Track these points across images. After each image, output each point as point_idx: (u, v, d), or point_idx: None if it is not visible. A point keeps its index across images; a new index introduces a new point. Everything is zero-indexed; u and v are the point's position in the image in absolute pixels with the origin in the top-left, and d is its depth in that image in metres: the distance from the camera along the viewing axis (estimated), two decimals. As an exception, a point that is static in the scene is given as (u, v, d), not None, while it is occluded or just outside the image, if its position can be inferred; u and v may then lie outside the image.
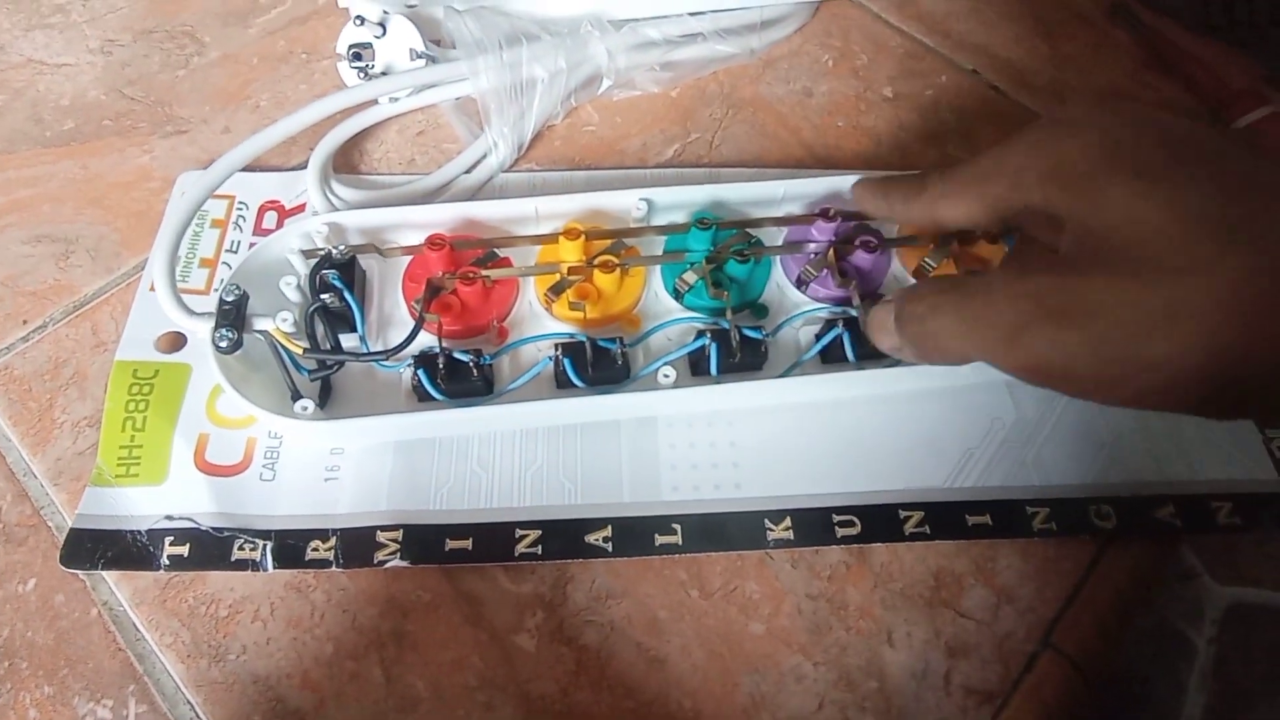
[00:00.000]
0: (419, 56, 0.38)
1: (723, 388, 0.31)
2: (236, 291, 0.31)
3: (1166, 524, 0.31)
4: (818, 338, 0.34)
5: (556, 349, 0.31)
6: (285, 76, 0.43)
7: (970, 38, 0.46)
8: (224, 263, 0.36)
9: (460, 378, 0.31)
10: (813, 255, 0.35)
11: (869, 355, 0.33)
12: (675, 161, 0.41)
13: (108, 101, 0.42)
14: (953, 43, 0.46)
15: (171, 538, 0.30)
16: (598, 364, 0.31)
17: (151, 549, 0.30)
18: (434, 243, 0.33)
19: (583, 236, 0.33)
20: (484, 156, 0.39)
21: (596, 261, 0.33)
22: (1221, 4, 0.45)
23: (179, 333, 0.34)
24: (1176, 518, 0.31)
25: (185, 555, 0.30)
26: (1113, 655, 0.30)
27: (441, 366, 0.31)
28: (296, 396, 0.31)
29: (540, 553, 0.30)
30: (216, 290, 0.35)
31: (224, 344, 0.30)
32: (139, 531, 0.30)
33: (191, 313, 0.31)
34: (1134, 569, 0.31)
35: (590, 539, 0.30)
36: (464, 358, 0.31)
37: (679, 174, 0.40)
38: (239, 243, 0.37)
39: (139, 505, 0.31)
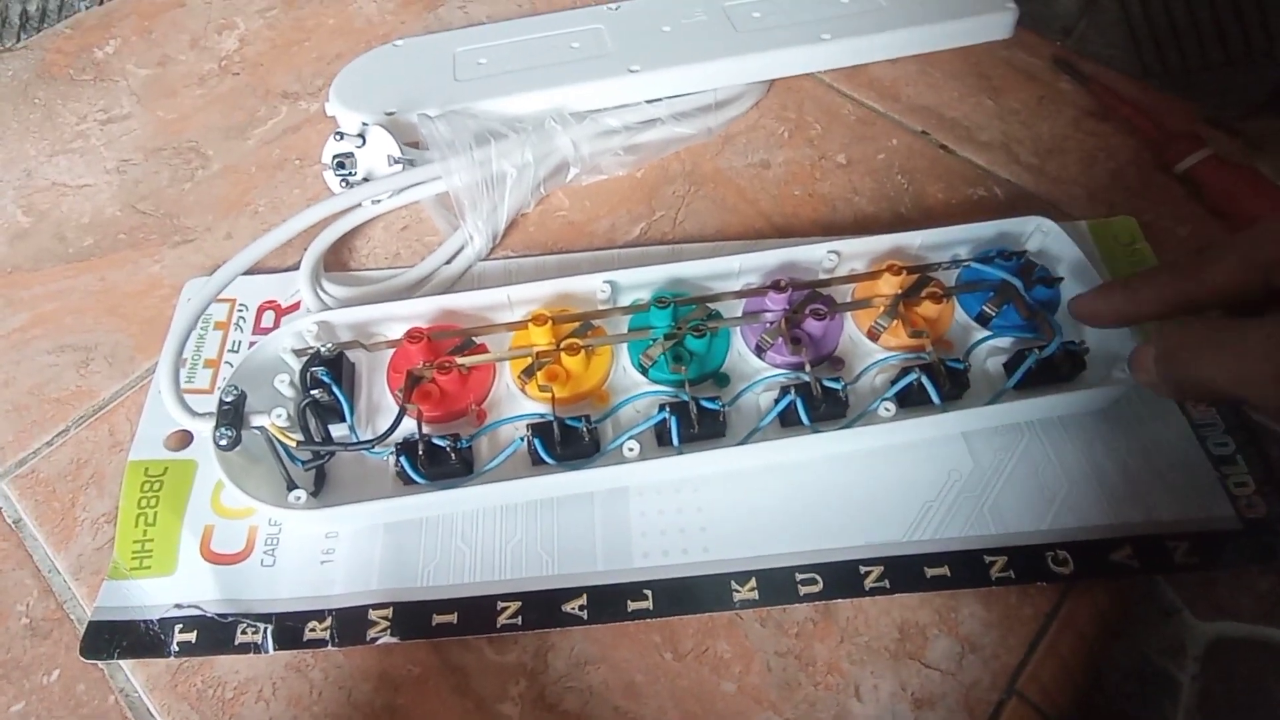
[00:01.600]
0: (396, 161, 0.41)
1: (685, 458, 0.33)
2: (235, 392, 0.33)
3: (1124, 565, 0.32)
4: (776, 403, 0.36)
5: (528, 430, 0.33)
6: (281, 182, 0.47)
7: (918, 100, 0.48)
8: (226, 362, 0.39)
9: (439, 461, 0.33)
10: (768, 324, 0.36)
11: (824, 417, 0.34)
12: (642, 240, 0.43)
13: (122, 217, 0.46)
14: (902, 106, 0.48)
15: (180, 625, 0.32)
16: (566, 441, 0.33)
17: (163, 637, 0.32)
18: (413, 336, 0.35)
19: (550, 321, 0.35)
20: (462, 247, 0.42)
21: (563, 345, 0.35)
22: (1155, 52, 0.47)
23: (185, 431, 0.37)
24: (1134, 559, 0.32)
25: (193, 641, 0.32)
26: (1082, 700, 0.31)
27: (421, 452, 0.33)
28: (291, 487, 0.33)
29: (521, 623, 0.32)
30: (219, 389, 0.38)
31: (224, 442, 0.32)
32: (151, 621, 0.32)
33: (194, 413, 0.33)
34: (1096, 613, 0.32)
35: (567, 608, 0.32)
36: (441, 443, 0.33)
37: (643, 253, 0.42)
38: (240, 342, 0.39)
39: (151, 595, 0.33)
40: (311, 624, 0.32)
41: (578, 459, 0.34)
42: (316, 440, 0.34)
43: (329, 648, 0.32)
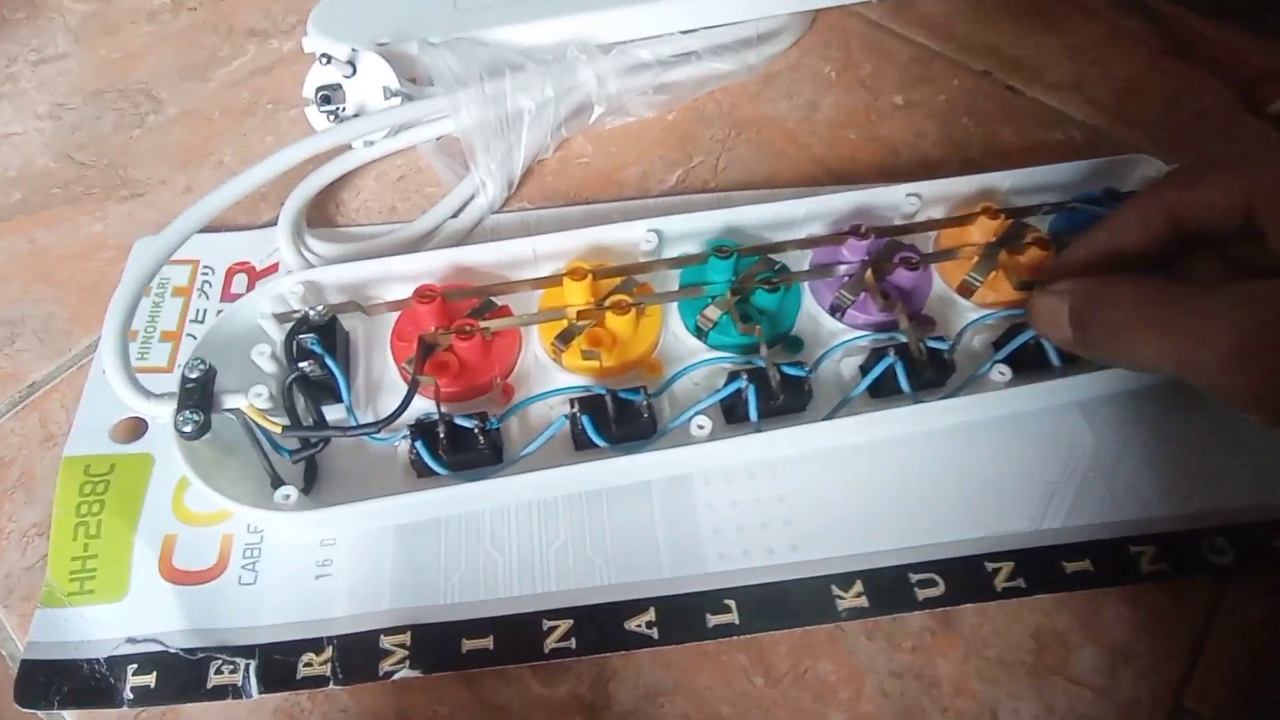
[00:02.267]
0: (394, 94, 0.34)
1: (767, 436, 0.27)
2: (201, 367, 0.26)
3: (1290, 552, 0.27)
4: (863, 369, 0.30)
5: (573, 405, 0.26)
6: (251, 129, 0.39)
7: (976, 38, 0.43)
8: (189, 334, 0.31)
9: (465, 447, 0.26)
10: (847, 278, 0.30)
11: (925, 385, 0.28)
12: (680, 188, 0.36)
13: (57, 168, 0.38)
14: (958, 45, 0.43)
15: (135, 665, 0.25)
16: (622, 419, 0.26)
17: (112, 680, 0.25)
18: (423, 295, 0.28)
19: (589, 276, 0.29)
20: (471, 198, 0.35)
21: (608, 303, 0.28)
22: None
23: (137, 419, 0.29)
24: (1301, 543, 0.27)
25: (152, 686, 0.25)
26: (1260, 715, 0.25)
27: (443, 436, 0.26)
28: (277, 483, 0.26)
29: (574, 646, 0.25)
30: (181, 366, 0.31)
31: (189, 428, 0.25)
32: (97, 660, 0.25)
33: (149, 394, 0.26)
34: (1265, 609, 0.26)
35: (632, 625, 0.25)
36: (467, 424, 0.26)
37: (685, 201, 0.36)
38: (205, 311, 0.32)
39: (96, 627, 0.26)
40: (307, 657, 0.25)
41: (633, 440, 0.27)
42: (307, 424, 0.27)
43: (331, 686, 0.25)
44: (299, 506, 0.26)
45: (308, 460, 0.28)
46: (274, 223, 0.34)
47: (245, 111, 0.40)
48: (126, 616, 0.26)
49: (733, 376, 0.28)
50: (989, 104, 0.40)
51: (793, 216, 0.32)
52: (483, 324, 0.28)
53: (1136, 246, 0.25)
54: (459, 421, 0.26)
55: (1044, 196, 0.34)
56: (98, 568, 0.26)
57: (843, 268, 0.31)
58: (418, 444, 0.26)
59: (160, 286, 0.32)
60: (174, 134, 0.39)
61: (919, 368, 0.28)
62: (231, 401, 0.26)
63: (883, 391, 0.29)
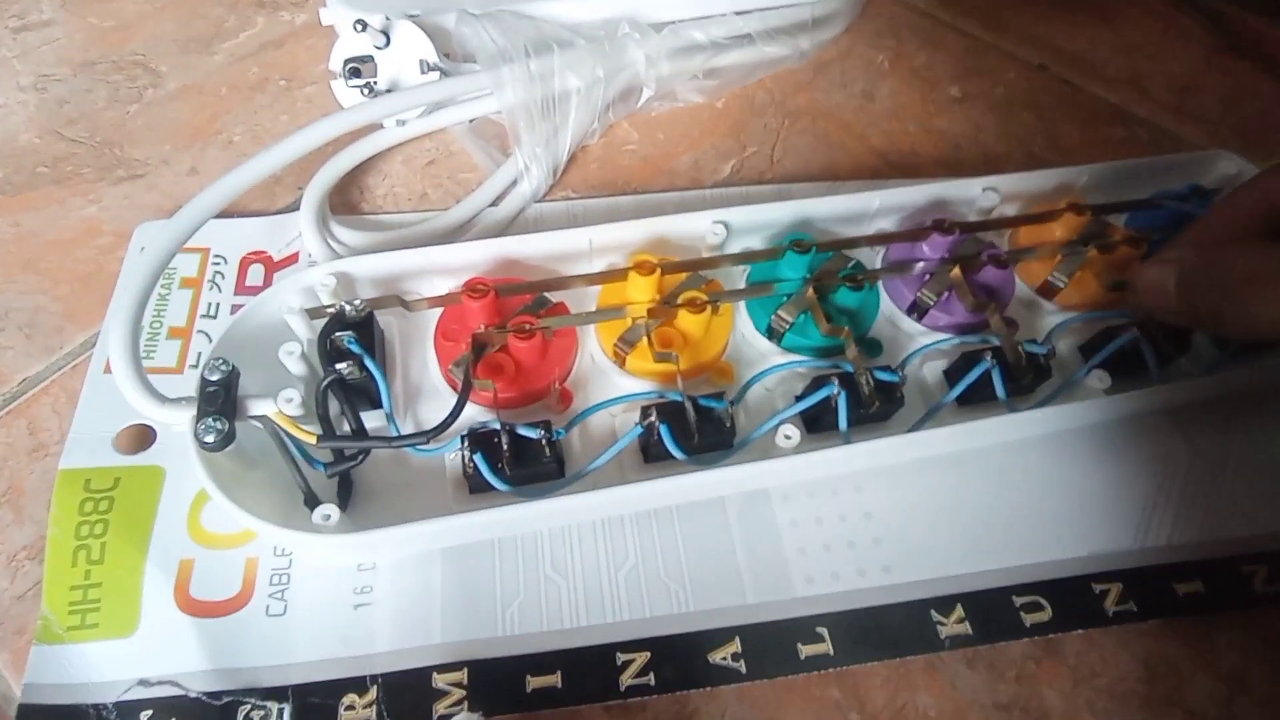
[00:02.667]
0: (431, 69, 0.30)
1: (859, 448, 0.24)
2: (224, 368, 0.23)
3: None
4: (948, 374, 0.27)
5: (648, 414, 0.24)
6: (262, 106, 0.35)
7: (1028, 30, 0.41)
8: (200, 331, 0.28)
9: (529, 460, 0.23)
10: (928, 276, 0.28)
11: (1020, 391, 0.26)
12: (735, 179, 0.34)
13: (43, 145, 0.34)
14: (1012, 37, 0.41)
15: (149, 711, 0.21)
16: (704, 429, 0.24)
17: (121, 729, 0.21)
18: (474, 289, 0.25)
19: (657, 271, 0.26)
20: (513, 184, 0.32)
21: (680, 299, 0.26)
22: None
23: (145, 426, 0.26)
24: None
25: (170, 736, 0.21)
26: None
27: (505, 448, 0.23)
28: (313, 501, 0.23)
29: (653, 683, 0.22)
30: (193, 367, 0.27)
31: (211, 438, 0.22)
32: (105, 706, 0.22)
33: (163, 399, 0.23)
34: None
35: (716, 658, 0.23)
36: (531, 433, 0.23)
37: (744, 193, 0.33)
38: (217, 306, 0.28)
39: (102, 667, 0.22)
40: (349, 699, 0.22)
41: (712, 452, 0.24)
42: (344, 434, 0.24)
43: (377, 733, 0.21)
44: (341, 528, 0.22)
45: (341, 475, 0.24)
46: (293, 208, 0.31)
47: (255, 88, 0.36)
48: (137, 655, 0.22)
49: (817, 382, 0.25)
50: (1048, 98, 0.38)
51: (866, 209, 0.30)
52: (543, 321, 0.25)
53: (1231, 235, 0.23)
54: (522, 431, 0.23)
55: (1123, 193, 0.32)
56: (102, 598, 0.23)
57: (919, 265, 0.28)
58: (477, 457, 0.23)
59: (166, 277, 0.29)
60: (176, 110, 0.35)
61: (1017, 373, 0.26)
62: (258, 408, 0.23)
63: (971, 398, 0.27)
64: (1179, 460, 0.27)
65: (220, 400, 0.22)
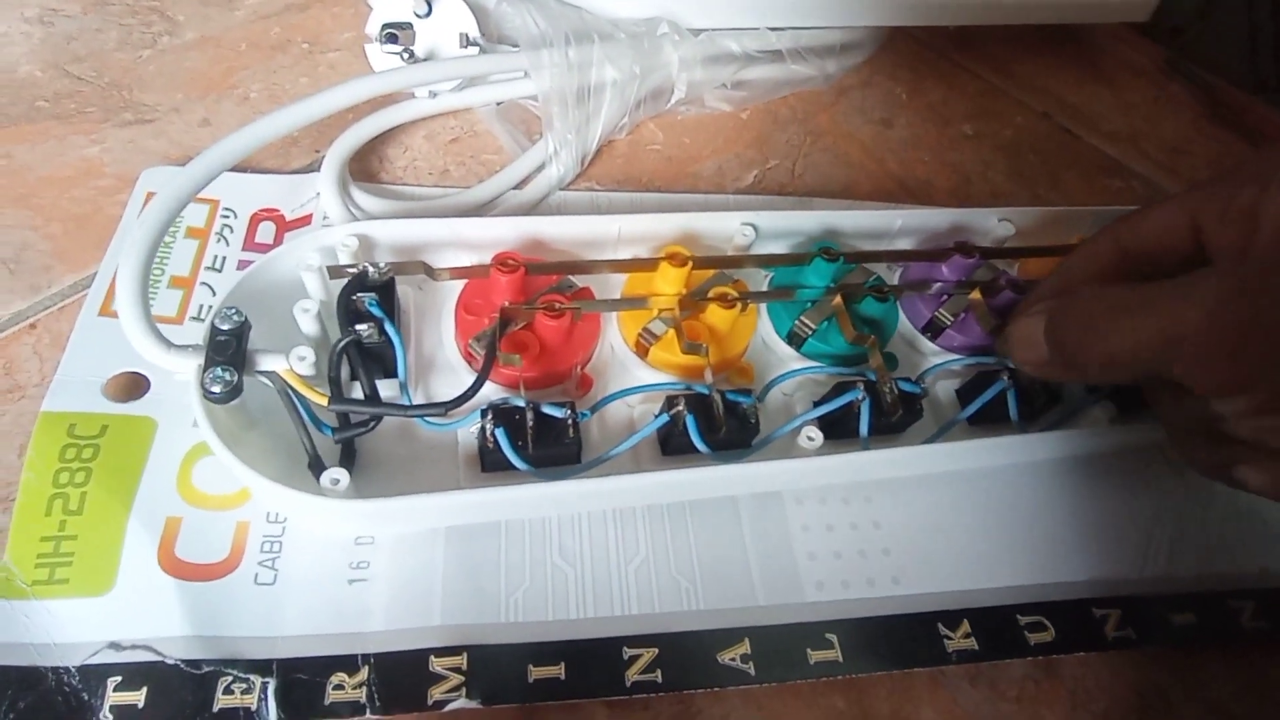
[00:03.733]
0: (471, 44, 0.29)
1: (877, 455, 0.24)
2: (236, 318, 0.21)
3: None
4: (961, 393, 0.27)
5: (678, 403, 0.23)
6: (283, 67, 0.34)
7: (1035, 80, 0.43)
8: (204, 283, 0.26)
9: (552, 440, 0.22)
10: (946, 296, 0.28)
11: (1032, 414, 0.26)
12: (757, 188, 0.34)
13: (45, 79, 0.32)
14: (1019, 84, 0.42)
15: (119, 678, 0.19)
16: (729, 423, 0.23)
17: (86, 696, 0.19)
18: (505, 263, 0.24)
19: (689, 264, 0.25)
20: (539, 169, 0.31)
21: (711, 294, 0.25)
22: (1274, 65, 0.43)
23: (138, 373, 0.24)
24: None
25: (140, 705, 0.19)
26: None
27: (530, 425, 0.22)
28: (318, 465, 0.21)
29: (660, 680, 0.21)
30: (194, 319, 0.25)
31: (218, 389, 0.20)
32: (66, 669, 0.19)
33: (169, 344, 0.21)
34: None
35: (725, 658, 0.22)
36: (557, 413, 0.22)
37: (767, 202, 0.33)
38: (223, 259, 0.27)
39: (69, 628, 0.20)
40: (338, 678, 0.20)
41: (732, 449, 0.24)
42: (358, 398, 0.23)
43: (368, 715, 0.20)
44: (348, 495, 0.21)
45: (347, 441, 0.23)
46: (309, 169, 0.29)
47: (276, 48, 0.35)
48: (111, 615, 0.20)
49: (841, 387, 0.25)
50: (1052, 145, 0.40)
51: (889, 227, 0.30)
52: (574, 302, 0.24)
53: (1090, 279, 0.24)
54: (547, 410, 0.22)
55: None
56: (76, 552, 0.21)
57: (940, 284, 0.28)
58: (499, 431, 0.21)
59: (173, 226, 0.27)
60: (191, 60, 0.34)
61: (1031, 396, 0.26)
62: (269, 363, 0.22)
63: (982, 418, 0.27)
64: (1174, 493, 0.27)
65: (230, 350, 0.21)
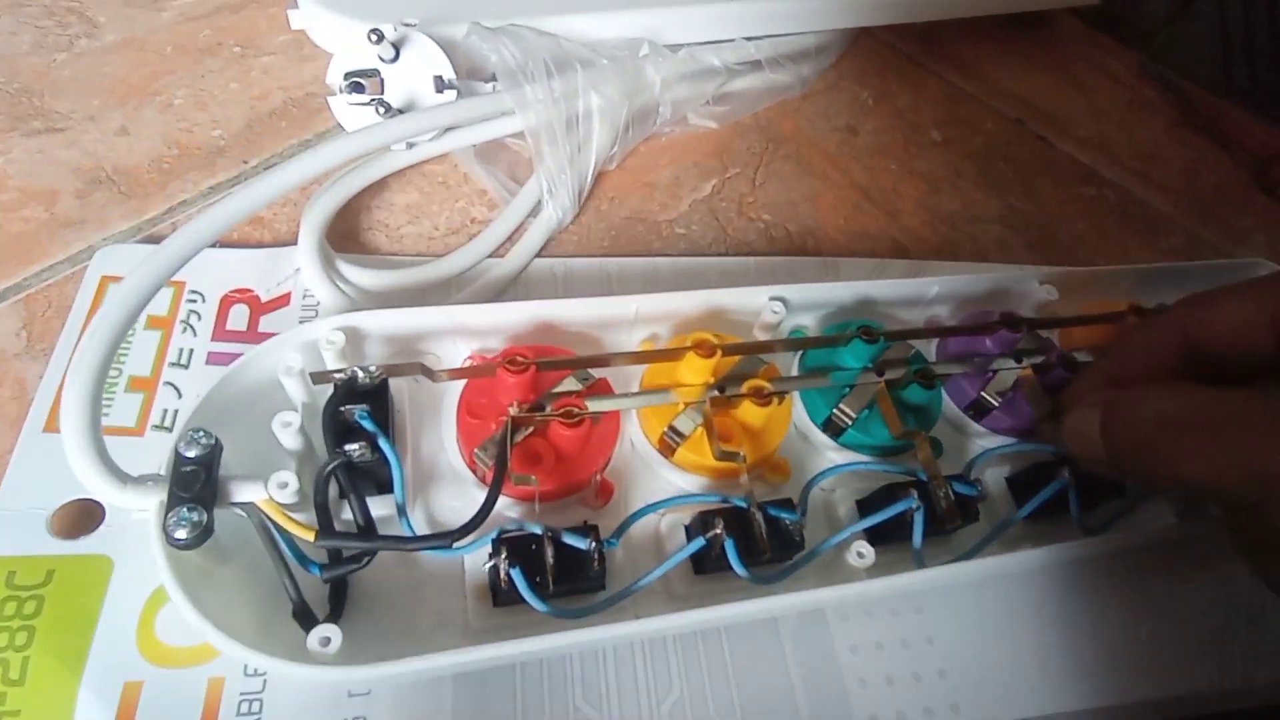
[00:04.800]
0: (447, 86, 0.27)
1: (941, 572, 0.21)
2: (204, 440, 0.18)
3: None
4: (1011, 483, 0.25)
5: (715, 524, 0.20)
6: (211, 71, 0.32)
7: (1005, 85, 0.42)
8: (168, 383, 0.23)
9: (574, 574, 0.19)
10: (991, 374, 0.26)
11: (1091, 505, 0.24)
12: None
13: (-56, 82, 0.28)
14: (990, 89, 0.41)
15: None
16: (773, 543, 0.20)
17: None
18: (514, 362, 0.21)
19: (718, 353, 0.23)
20: (534, 211, 0.28)
21: (746, 388, 0.22)
22: (1246, 68, 0.42)
23: (90, 501, 0.21)
24: None
25: None
26: None
27: (550, 560, 0.19)
28: (305, 616, 0.19)
29: None
30: (156, 428, 0.22)
31: (184, 534, 0.17)
32: None
33: (125, 479, 0.18)
34: None
35: (776, 820, 0.19)
36: (580, 543, 0.19)
37: (783, 263, 0.31)
38: (190, 352, 0.24)
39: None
40: None
41: (774, 566, 0.21)
42: (349, 532, 0.20)
43: None
44: (337, 660, 0.18)
45: (337, 579, 0.20)
46: (283, 242, 0.26)
47: (205, 51, 0.32)
48: (60, 808, 0.17)
49: (890, 492, 0.22)
50: (1023, 151, 0.39)
51: (923, 294, 0.28)
52: (590, 407, 0.21)
53: (1150, 372, 0.21)
54: (569, 540, 0.19)
55: (1167, 296, 0.30)
56: (18, 730, 0.18)
57: (985, 360, 0.26)
58: (514, 572, 0.19)
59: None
60: (110, 64, 0.31)
61: (1092, 491, 0.23)
62: (244, 492, 0.19)
63: (1038, 511, 0.24)
64: (1240, 586, 0.25)
65: (198, 484, 0.18)
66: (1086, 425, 0.20)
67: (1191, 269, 0.31)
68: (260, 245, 0.27)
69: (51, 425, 0.21)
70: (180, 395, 0.23)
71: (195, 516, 0.18)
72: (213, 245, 0.25)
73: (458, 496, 0.22)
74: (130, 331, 0.23)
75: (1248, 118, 0.42)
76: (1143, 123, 0.42)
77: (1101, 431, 0.20)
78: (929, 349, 0.28)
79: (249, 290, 0.25)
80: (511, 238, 0.28)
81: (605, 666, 0.21)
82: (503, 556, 0.19)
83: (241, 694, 0.19)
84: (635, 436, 0.24)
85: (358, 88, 0.27)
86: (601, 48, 0.31)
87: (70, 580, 0.19)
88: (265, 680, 0.19)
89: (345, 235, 0.28)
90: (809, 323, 0.27)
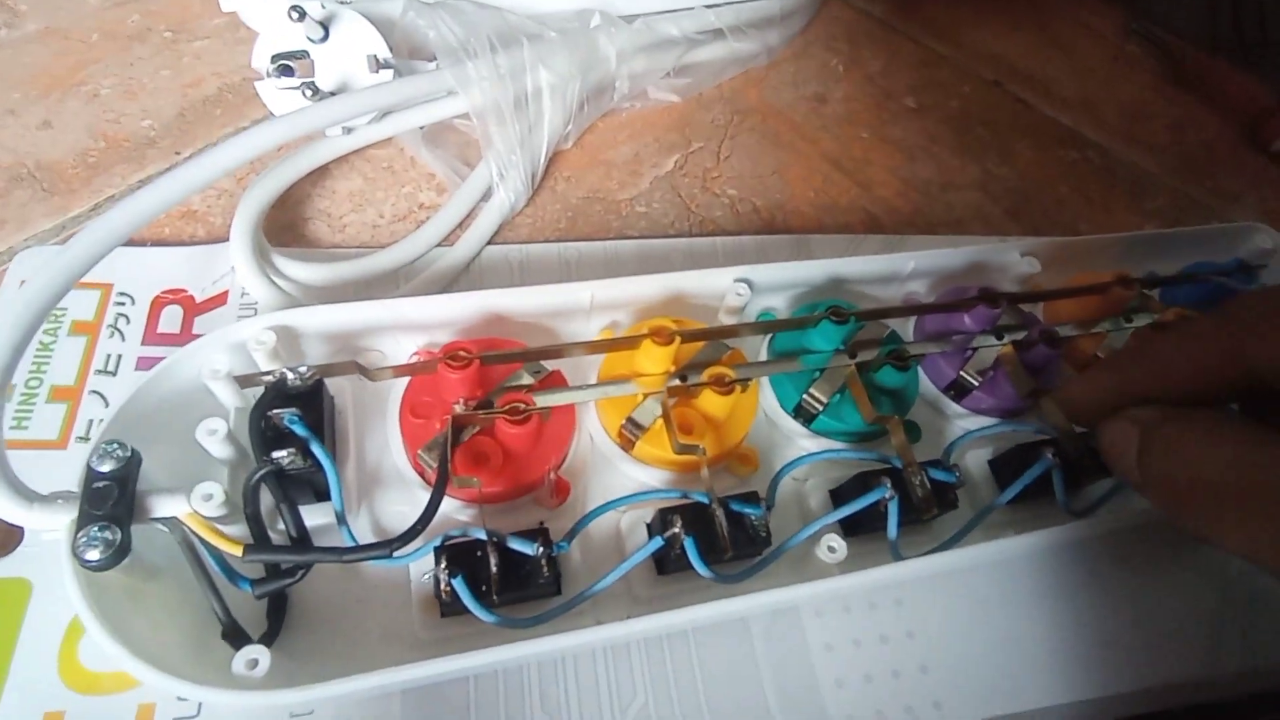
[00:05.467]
0: (382, 66, 0.25)
1: (918, 565, 0.20)
2: (119, 454, 0.17)
3: None
4: (994, 466, 0.24)
5: (673, 523, 0.19)
6: (140, 59, 0.30)
7: (983, 47, 0.40)
8: (94, 391, 0.22)
9: (522, 580, 0.18)
10: (970, 353, 0.25)
11: (1078, 487, 0.23)
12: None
13: None
14: (966, 52, 0.40)
15: None
16: (735, 538, 0.19)
17: None
18: (456, 357, 0.20)
19: (677, 340, 0.21)
20: (485, 196, 0.27)
21: (706, 376, 0.21)
22: (1232, 22, 0.41)
23: (8, 523, 0.19)
24: None
25: None
26: None
27: (494, 567, 0.18)
28: (237, 636, 0.17)
29: None
30: (81, 439, 0.21)
31: (95, 554, 0.16)
32: None
33: (32, 497, 0.17)
34: None
35: (747, 832, 0.18)
36: (526, 549, 0.18)
37: (753, 242, 0.29)
38: (119, 359, 0.22)
39: None
40: None
41: (742, 564, 0.20)
42: (282, 543, 0.18)
43: None
44: (271, 681, 0.17)
45: (273, 594, 0.19)
46: (218, 237, 0.25)
47: (134, 37, 0.31)
48: None
49: (863, 480, 0.21)
50: (1002, 115, 0.37)
51: (899, 271, 0.26)
52: (540, 401, 0.20)
53: (1195, 391, 0.19)
54: (514, 545, 0.18)
55: (1151, 263, 0.29)
56: (-72, 769, 0.17)
57: (963, 338, 0.25)
58: (456, 581, 0.18)
59: (53, 320, 0.22)
60: (32, 54, 0.30)
61: (1078, 472, 0.22)
62: (165, 506, 0.18)
63: (1022, 495, 0.23)
64: (1242, 569, 0.24)
65: (111, 500, 0.17)
66: (1125, 444, 0.18)
67: (1180, 235, 0.30)
68: (195, 242, 0.25)
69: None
70: (107, 404, 0.21)
71: (109, 535, 0.16)
72: (142, 244, 0.24)
73: (405, 501, 0.21)
74: (50, 339, 0.22)
75: (1236, 72, 0.41)
76: (1127, 81, 0.41)
77: (1139, 461, 0.18)
78: (907, 329, 0.27)
79: (182, 290, 0.24)
80: (462, 224, 0.27)
81: (565, 674, 0.20)
82: (442, 566, 0.18)
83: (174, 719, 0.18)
84: (595, 431, 0.23)
85: (286, 70, 0.26)
86: (550, 20, 0.29)
87: (-15, 606, 0.18)
88: (200, 705, 0.18)
89: (286, 227, 0.26)
90: (779, 305, 0.26)
